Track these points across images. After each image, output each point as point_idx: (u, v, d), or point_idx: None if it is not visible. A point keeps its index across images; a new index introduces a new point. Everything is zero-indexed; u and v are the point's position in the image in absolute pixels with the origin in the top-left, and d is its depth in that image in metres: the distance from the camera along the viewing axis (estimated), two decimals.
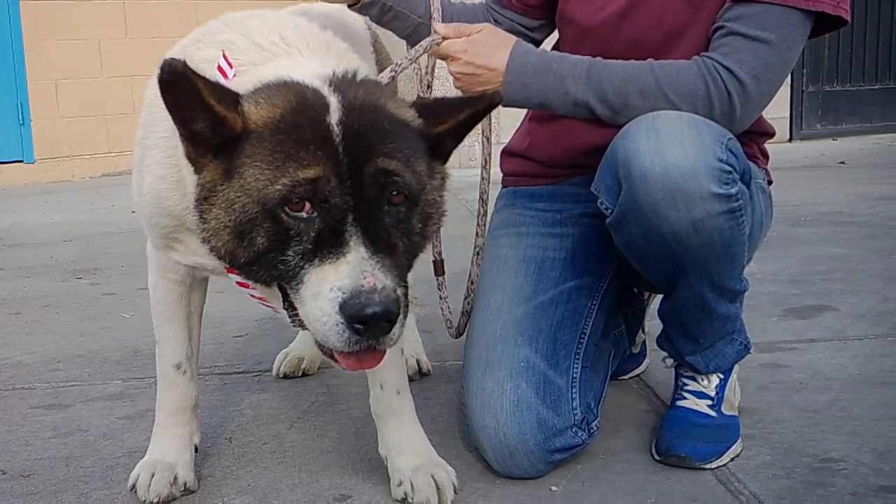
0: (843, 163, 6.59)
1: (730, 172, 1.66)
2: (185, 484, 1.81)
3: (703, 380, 1.98)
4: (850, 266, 3.53)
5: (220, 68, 1.53)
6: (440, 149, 1.51)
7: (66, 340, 2.91)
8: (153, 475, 1.79)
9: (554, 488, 1.80)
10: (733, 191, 1.67)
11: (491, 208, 2.19)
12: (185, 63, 1.34)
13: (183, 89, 1.35)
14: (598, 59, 1.83)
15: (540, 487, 1.80)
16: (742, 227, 1.71)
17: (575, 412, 1.84)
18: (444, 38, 1.84)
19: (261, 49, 1.57)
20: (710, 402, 1.97)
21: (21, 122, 7.31)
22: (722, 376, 1.99)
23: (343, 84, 1.45)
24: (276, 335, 2.82)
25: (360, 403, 2.28)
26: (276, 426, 2.16)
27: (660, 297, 2.01)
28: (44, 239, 4.77)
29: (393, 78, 1.76)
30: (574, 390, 1.86)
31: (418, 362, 2.45)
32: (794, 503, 1.70)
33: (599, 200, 1.77)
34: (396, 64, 1.81)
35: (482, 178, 2.10)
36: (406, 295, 1.38)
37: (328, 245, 1.35)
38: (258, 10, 1.70)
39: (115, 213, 5.55)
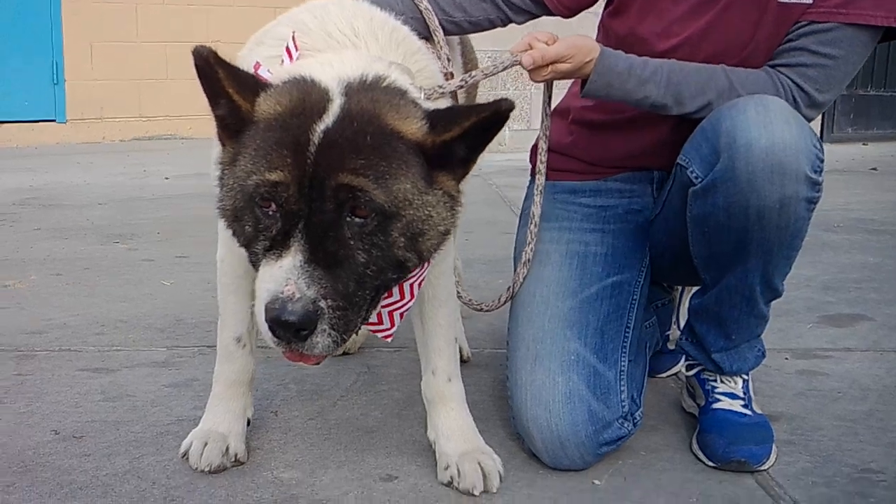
0: (874, 169, 6.58)
1: (821, 161, 1.73)
2: (236, 455, 1.85)
3: (728, 381, 2.01)
4: (884, 276, 3.54)
5: (287, 48, 1.58)
6: (448, 158, 1.48)
7: (109, 305, 2.95)
8: (206, 444, 1.83)
9: (597, 482, 1.83)
10: (820, 179, 1.73)
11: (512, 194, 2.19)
12: (210, 51, 1.44)
13: (209, 75, 1.46)
14: (674, 62, 1.88)
15: (582, 481, 1.83)
16: (808, 221, 1.77)
17: (623, 404, 1.88)
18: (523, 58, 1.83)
19: (328, 36, 1.61)
20: (742, 402, 2.00)
21: (55, 81, 7.35)
22: (746, 377, 2.04)
23: (356, 89, 1.46)
24: None
25: (401, 385, 2.32)
26: (320, 402, 2.20)
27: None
28: (79, 201, 4.81)
29: (462, 87, 1.76)
30: (622, 383, 1.90)
31: (459, 349, 2.47)
32: None
33: (690, 169, 1.81)
34: (469, 75, 1.80)
35: (535, 200, 2.08)
36: (338, 307, 1.39)
37: (277, 245, 1.41)
38: None
39: (148, 179, 5.59)
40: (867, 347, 2.70)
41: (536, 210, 2.00)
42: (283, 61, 1.58)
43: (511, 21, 2.14)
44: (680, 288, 2.41)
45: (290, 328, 1.37)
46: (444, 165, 1.47)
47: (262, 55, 1.65)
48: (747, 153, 1.68)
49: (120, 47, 7.58)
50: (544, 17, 2.15)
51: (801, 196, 1.70)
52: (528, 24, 2.17)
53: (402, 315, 1.65)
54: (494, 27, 2.15)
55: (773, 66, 1.89)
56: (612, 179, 2.14)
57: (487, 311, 2.04)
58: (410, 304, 1.65)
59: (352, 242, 1.41)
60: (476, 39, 2.37)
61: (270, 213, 1.42)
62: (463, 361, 2.47)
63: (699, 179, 1.78)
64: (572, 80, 2.02)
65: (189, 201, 4.85)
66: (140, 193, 5.09)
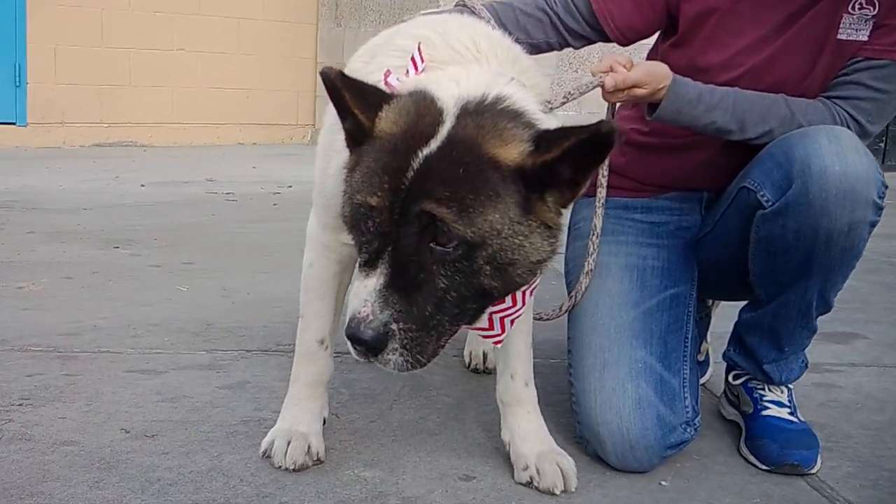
0: None
1: (886, 188, 1.86)
2: (317, 454, 1.89)
3: (775, 390, 2.14)
4: (863, 297, 3.74)
5: (413, 59, 1.65)
6: (552, 178, 1.50)
7: (132, 309, 2.96)
8: (289, 443, 1.87)
9: (664, 482, 1.93)
10: (884, 204, 1.86)
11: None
12: (336, 73, 1.53)
13: (336, 95, 1.54)
14: (738, 90, 2.01)
15: (650, 481, 1.93)
16: (866, 244, 1.89)
17: (686, 410, 1.99)
18: (605, 81, 1.92)
19: (452, 50, 1.68)
20: (789, 410, 2.13)
21: (17, 84, 7.23)
22: (790, 387, 2.17)
23: (468, 112, 1.51)
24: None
25: (449, 391, 2.39)
26: (376, 406, 2.25)
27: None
28: (62, 206, 4.76)
29: (565, 103, 1.85)
30: (686, 390, 2.01)
31: (484, 356, 2.57)
32: None
33: (761, 193, 1.91)
34: (563, 95, 1.86)
35: (596, 213, 2.15)
36: (410, 329, 1.47)
37: (370, 263, 1.50)
38: (457, 15, 1.80)
39: (124, 186, 5.55)
40: (870, 363, 2.86)
41: (598, 222, 2.09)
42: (408, 71, 1.65)
43: (569, 45, 2.24)
44: (714, 302, 2.54)
45: (363, 345, 1.48)
46: (548, 186, 1.51)
47: (383, 65, 1.71)
48: (822, 179, 1.80)
49: (84, 52, 7.50)
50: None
51: (867, 220, 1.83)
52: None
53: (512, 322, 1.72)
54: (552, 50, 2.25)
55: (828, 98, 2.03)
56: (662, 198, 2.26)
57: (548, 319, 2.13)
58: (522, 310, 1.73)
59: (434, 268, 1.48)
60: None
61: (370, 230, 1.51)
62: (487, 372, 2.55)
63: (770, 203, 1.90)
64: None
65: (173, 209, 4.84)
66: (121, 200, 5.05)
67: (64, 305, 2.95)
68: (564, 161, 1.48)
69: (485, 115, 1.51)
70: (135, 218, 4.55)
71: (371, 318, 1.46)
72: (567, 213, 1.60)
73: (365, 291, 1.47)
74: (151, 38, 7.76)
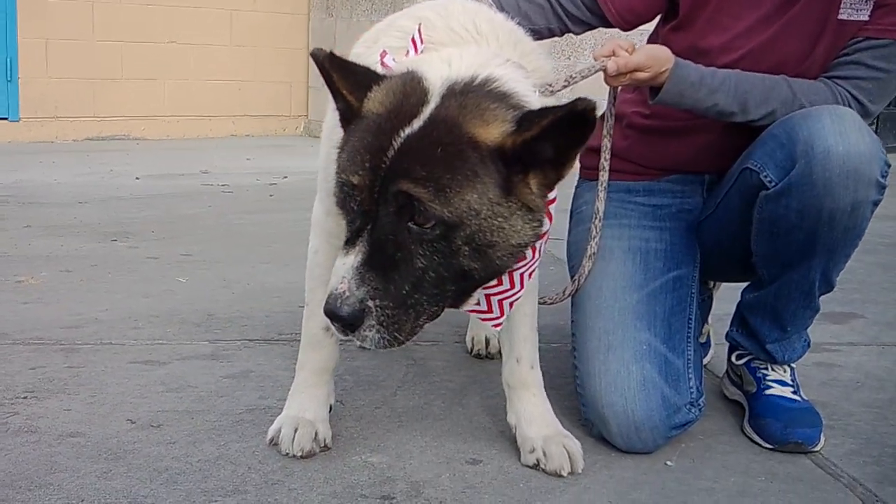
0: None
1: (888, 166, 1.87)
2: (324, 440, 1.90)
3: (778, 369, 2.16)
4: (860, 278, 3.74)
5: (413, 40, 1.66)
6: (533, 157, 1.49)
7: (132, 301, 2.95)
8: (296, 430, 1.88)
9: (669, 462, 1.94)
10: (886, 183, 1.86)
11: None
12: (327, 55, 1.56)
13: (326, 76, 1.57)
14: (739, 72, 2.01)
15: (655, 462, 1.95)
16: (868, 223, 1.90)
17: (691, 390, 2.00)
18: (608, 64, 1.92)
19: (452, 31, 1.68)
20: (792, 389, 2.14)
21: (9, 78, 7.18)
22: (793, 366, 2.18)
23: (454, 92, 1.51)
24: None
25: (451, 376, 2.40)
26: (380, 392, 2.26)
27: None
28: (58, 200, 4.74)
29: (566, 86, 1.84)
30: (690, 371, 2.02)
31: (487, 342, 2.58)
32: (894, 485, 1.87)
33: (764, 174, 1.92)
34: (566, 78, 1.86)
35: (598, 196, 2.15)
36: (387, 307, 1.48)
37: (351, 241, 1.52)
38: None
39: (119, 179, 5.52)
40: (869, 342, 2.88)
41: (601, 206, 2.09)
42: (408, 52, 1.65)
43: (569, 31, 2.25)
44: (715, 284, 2.55)
45: (339, 321, 1.49)
46: (530, 166, 1.50)
47: (386, 47, 1.71)
48: (825, 159, 1.81)
49: (75, 45, 7.44)
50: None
51: (870, 199, 1.84)
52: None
53: (511, 304, 1.72)
54: (553, 36, 2.25)
55: (829, 78, 2.04)
56: (664, 180, 2.26)
57: (551, 303, 2.13)
58: (520, 293, 1.73)
59: (412, 248, 1.49)
60: None
61: (354, 209, 1.52)
62: (490, 357, 2.55)
63: (773, 183, 1.90)
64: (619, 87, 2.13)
65: (169, 201, 4.83)
66: (117, 193, 5.03)
67: (64, 298, 2.95)
68: (545, 140, 1.48)
69: (469, 95, 1.51)
70: (131, 211, 4.54)
71: (347, 294, 1.47)
72: (552, 195, 1.59)
73: (343, 269, 1.49)
74: (143, 30, 7.71)
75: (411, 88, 1.53)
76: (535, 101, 1.59)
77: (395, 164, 1.47)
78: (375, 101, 1.54)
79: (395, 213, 1.47)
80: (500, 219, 1.49)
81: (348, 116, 1.58)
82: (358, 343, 1.53)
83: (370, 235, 1.49)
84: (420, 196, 1.45)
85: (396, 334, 1.51)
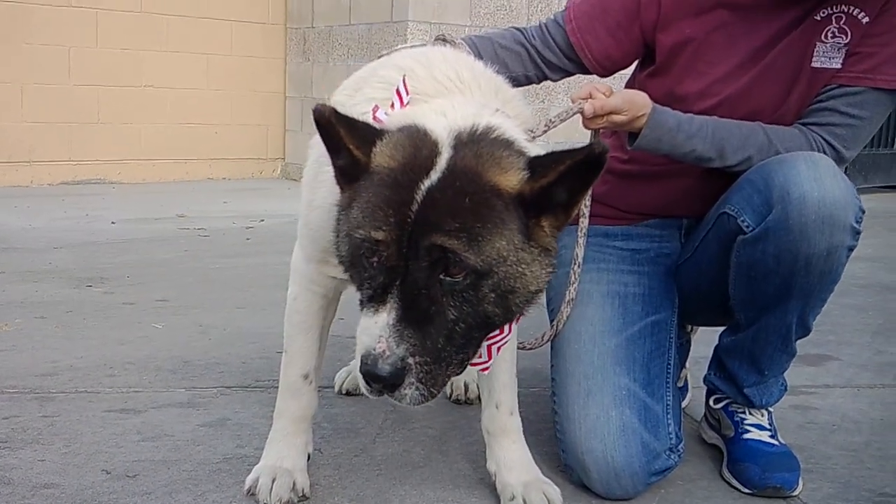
0: None
1: (863, 212, 1.89)
2: (302, 490, 1.88)
3: (756, 413, 2.17)
4: (834, 319, 3.78)
5: (397, 91, 1.66)
6: (548, 202, 1.52)
7: (107, 348, 2.93)
8: (274, 479, 1.86)
9: None
10: (861, 229, 1.89)
11: None
12: (332, 110, 1.52)
13: (330, 132, 1.53)
14: (716, 119, 2.05)
15: None
16: (844, 268, 1.92)
17: (670, 436, 2.00)
18: (585, 107, 1.95)
19: (436, 81, 1.69)
20: (770, 433, 2.15)
21: None
22: (771, 410, 2.19)
23: (463, 142, 1.52)
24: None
25: (431, 423, 2.39)
26: (359, 440, 2.24)
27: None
28: (33, 245, 4.70)
29: (546, 132, 1.87)
30: (669, 416, 2.02)
31: (466, 387, 2.57)
32: None
33: (741, 219, 1.94)
34: (545, 123, 1.90)
35: (578, 242, 2.16)
36: (426, 363, 1.47)
37: (376, 299, 1.49)
38: (438, 47, 1.82)
39: (95, 223, 5.49)
40: (844, 384, 2.90)
41: (580, 251, 2.11)
42: (392, 104, 1.66)
43: (547, 78, 2.28)
44: (693, 328, 2.57)
45: (380, 381, 1.46)
46: (544, 210, 1.52)
47: (367, 97, 1.72)
48: (801, 205, 1.84)
49: (51, 90, 7.44)
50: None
51: (845, 244, 1.87)
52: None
53: (499, 349, 1.72)
54: (531, 83, 2.29)
55: (804, 125, 2.07)
56: (642, 225, 2.29)
57: (530, 349, 2.14)
58: (509, 338, 1.73)
59: (444, 300, 1.48)
60: None
61: (374, 265, 1.49)
62: (469, 403, 2.55)
63: (750, 228, 1.93)
64: (600, 131, 2.16)
65: (145, 246, 4.81)
66: (93, 238, 5.00)
67: (39, 345, 2.92)
68: (560, 184, 1.50)
69: (480, 144, 1.52)
70: (106, 256, 4.51)
71: (388, 353, 1.45)
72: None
73: (377, 327, 1.46)
74: (119, 75, 7.72)
75: (420, 140, 1.52)
76: (532, 148, 1.62)
77: (421, 217, 1.45)
78: (384, 155, 1.52)
79: (428, 266, 1.46)
80: (523, 265, 1.51)
81: (354, 172, 1.55)
82: (394, 401, 1.50)
83: (401, 291, 1.47)
84: (454, 248, 1.44)
85: (432, 388, 1.50)
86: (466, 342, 1.54)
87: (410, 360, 1.46)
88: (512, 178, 1.50)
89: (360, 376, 1.49)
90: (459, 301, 1.48)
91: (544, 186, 1.50)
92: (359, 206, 1.52)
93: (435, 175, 1.47)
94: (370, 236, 1.48)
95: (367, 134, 1.54)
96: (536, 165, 1.51)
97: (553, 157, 1.51)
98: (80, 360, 2.77)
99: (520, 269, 1.50)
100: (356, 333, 1.53)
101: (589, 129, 2.01)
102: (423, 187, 1.46)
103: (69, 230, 5.21)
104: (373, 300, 1.49)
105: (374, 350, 1.45)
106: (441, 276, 1.47)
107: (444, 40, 2.04)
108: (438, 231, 1.44)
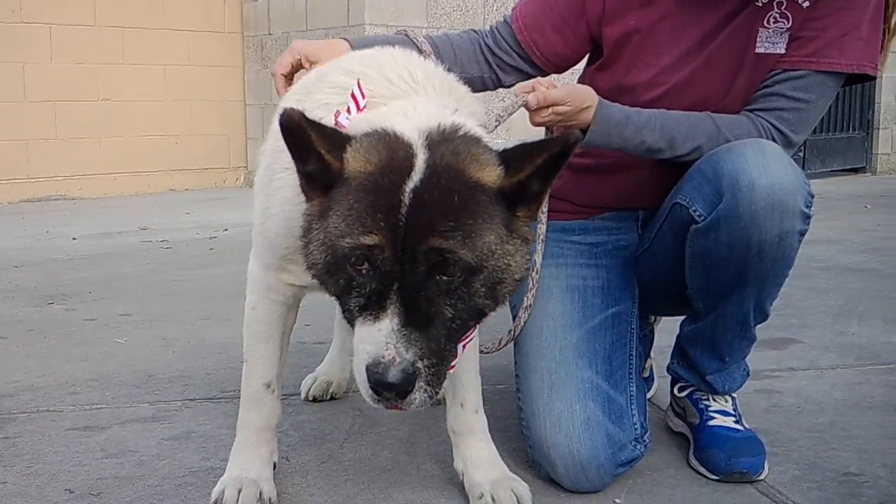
0: None
1: (812, 197, 1.91)
2: (269, 499, 1.87)
3: (720, 399, 2.18)
4: (796, 303, 3.83)
5: (353, 95, 1.65)
6: (524, 194, 1.55)
7: (70, 365, 2.89)
8: (240, 490, 1.84)
9: (618, 500, 1.94)
10: (811, 213, 1.91)
11: None
12: (301, 114, 1.48)
13: (300, 136, 1.50)
14: (664, 110, 2.06)
15: (604, 500, 1.95)
16: (797, 252, 1.94)
17: (635, 427, 2.01)
18: (528, 98, 1.96)
19: (389, 83, 1.68)
20: (734, 419, 2.17)
21: None
22: (734, 396, 2.21)
23: (436, 141, 1.52)
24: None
25: (399, 425, 2.38)
26: (326, 446, 2.23)
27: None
28: None
29: (497, 127, 1.88)
30: (633, 407, 2.03)
31: None
32: None
33: (693, 209, 1.96)
34: (484, 126, 1.88)
35: (536, 249, 2.16)
36: (433, 364, 1.47)
37: (373, 306, 1.47)
38: (387, 48, 1.81)
39: (56, 240, 5.44)
40: (807, 367, 2.93)
41: (538, 258, 2.11)
42: (349, 108, 1.64)
43: (501, 83, 2.28)
44: (656, 318, 2.58)
45: (392, 389, 1.44)
46: (520, 201, 1.55)
47: (319, 102, 1.70)
48: (750, 192, 1.85)
49: (7, 108, 7.35)
50: None
51: (796, 230, 1.89)
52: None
53: (464, 346, 1.72)
54: (486, 89, 2.29)
55: (751, 111, 2.09)
56: (599, 218, 2.30)
57: (487, 353, 2.13)
58: (474, 334, 1.73)
59: (440, 299, 1.48)
60: None
61: (364, 272, 1.47)
62: (437, 403, 2.54)
63: (702, 217, 1.94)
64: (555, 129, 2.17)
65: (107, 260, 4.76)
66: (54, 255, 4.95)
67: None
68: (536, 176, 1.53)
69: (454, 142, 1.52)
70: (68, 272, 4.46)
71: (398, 359, 1.43)
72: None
73: (382, 334, 1.45)
74: (75, 89, 7.64)
75: (393, 143, 1.51)
76: (493, 144, 1.62)
77: (413, 220, 1.44)
78: (358, 160, 1.50)
79: (426, 269, 1.45)
80: (508, 256, 1.53)
81: (325, 179, 1.52)
82: (402, 407, 1.48)
83: (400, 295, 1.45)
84: (451, 248, 1.45)
85: (436, 389, 1.50)
86: (461, 336, 1.56)
87: (420, 364, 1.45)
88: (491, 174, 1.51)
89: (364, 387, 1.47)
90: (455, 298, 1.49)
91: (522, 179, 1.53)
92: (339, 214, 1.49)
93: (417, 176, 1.47)
94: (360, 243, 1.45)
95: (338, 139, 1.52)
96: (511, 159, 1.53)
97: (525, 150, 1.53)
98: (42, 379, 2.73)
99: (506, 261, 1.53)
100: (353, 343, 1.51)
101: (535, 123, 2.01)
102: (407, 189, 1.45)
103: (29, 248, 5.15)
104: (368, 308, 1.47)
105: (384, 358, 1.43)
106: (437, 277, 1.47)
107: (407, 35, 2.05)
108: (434, 233, 1.44)
